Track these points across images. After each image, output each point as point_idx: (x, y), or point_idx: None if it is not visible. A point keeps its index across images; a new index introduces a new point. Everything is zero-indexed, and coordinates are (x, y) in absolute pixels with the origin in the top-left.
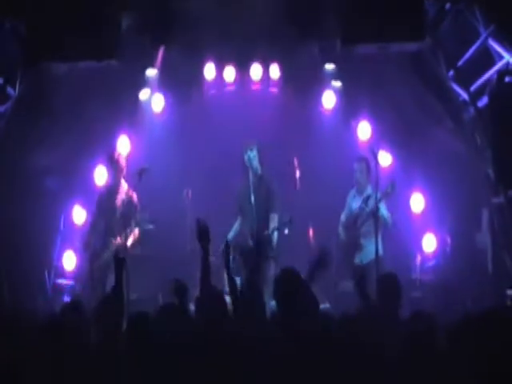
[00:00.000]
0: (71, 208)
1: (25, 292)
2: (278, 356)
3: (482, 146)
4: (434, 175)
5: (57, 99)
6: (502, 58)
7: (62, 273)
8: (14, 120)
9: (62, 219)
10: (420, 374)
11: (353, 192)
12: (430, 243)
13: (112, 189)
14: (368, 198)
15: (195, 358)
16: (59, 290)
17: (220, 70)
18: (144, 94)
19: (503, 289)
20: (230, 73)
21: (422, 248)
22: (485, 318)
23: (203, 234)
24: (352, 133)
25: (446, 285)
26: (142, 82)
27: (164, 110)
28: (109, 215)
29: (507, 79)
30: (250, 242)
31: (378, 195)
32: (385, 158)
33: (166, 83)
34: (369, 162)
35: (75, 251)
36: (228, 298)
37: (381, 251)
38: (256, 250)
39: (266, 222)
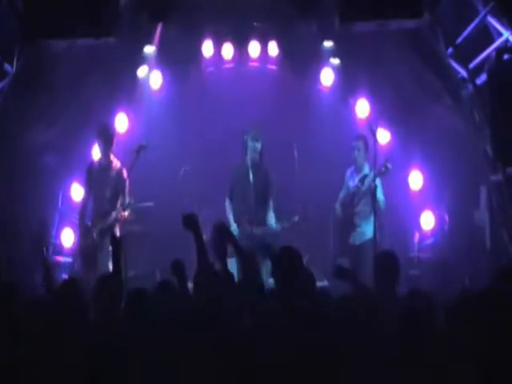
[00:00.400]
0: (69, 185)
1: (23, 269)
2: (277, 330)
3: (481, 123)
4: (433, 153)
5: (55, 76)
6: (500, 35)
7: (60, 250)
8: (11, 97)
9: (60, 196)
10: (418, 351)
11: (350, 170)
12: (428, 221)
13: (102, 165)
14: (365, 177)
15: (193, 334)
16: (57, 267)
17: (218, 47)
18: (142, 71)
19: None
20: (228, 50)
21: (420, 226)
22: (483, 295)
23: (189, 221)
24: (350, 110)
25: (444, 262)
26: (140, 59)
27: (162, 87)
28: (98, 192)
29: (506, 56)
30: (247, 226)
31: (373, 174)
32: (383, 136)
33: (164, 60)
34: (367, 140)
35: (73, 228)
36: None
37: (371, 234)
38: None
39: (264, 206)
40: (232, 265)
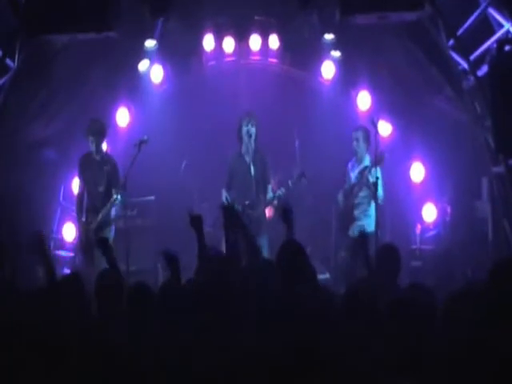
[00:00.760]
0: (71, 179)
1: (25, 264)
2: (278, 312)
3: (482, 115)
4: (434, 144)
5: (56, 71)
6: (501, 26)
7: (61, 244)
8: (13, 92)
9: (62, 191)
10: (420, 342)
11: (352, 162)
12: (429, 213)
13: (94, 160)
14: (365, 168)
15: (196, 326)
16: (59, 261)
17: (219, 40)
18: (143, 66)
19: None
20: (228, 43)
21: (421, 218)
22: (485, 287)
23: (195, 222)
24: (351, 103)
25: (446, 254)
26: (141, 54)
27: (163, 81)
28: (92, 187)
29: (507, 48)
30: (249, 210)
31: (371, 164)
32: (384, 128)
33: (165, 54)
34: (367, 131)
35: (75, 223)
36: None
37: (373, 227)
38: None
39: (264, 191)
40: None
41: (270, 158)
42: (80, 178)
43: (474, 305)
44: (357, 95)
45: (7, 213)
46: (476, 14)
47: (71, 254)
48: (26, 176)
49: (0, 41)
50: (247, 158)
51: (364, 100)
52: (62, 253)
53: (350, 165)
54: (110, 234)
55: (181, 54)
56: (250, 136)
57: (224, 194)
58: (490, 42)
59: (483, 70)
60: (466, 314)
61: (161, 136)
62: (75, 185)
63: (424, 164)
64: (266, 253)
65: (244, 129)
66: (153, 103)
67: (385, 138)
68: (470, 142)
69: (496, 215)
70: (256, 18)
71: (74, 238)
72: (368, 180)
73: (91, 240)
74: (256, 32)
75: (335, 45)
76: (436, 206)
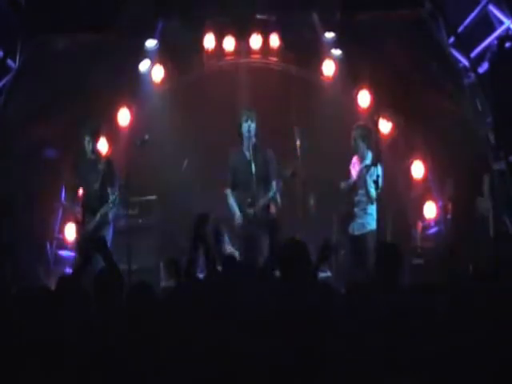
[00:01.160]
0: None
1: (27, 264)
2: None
3: (483, 111)
4: (435, 142)
5: (57, 71)
6: (502, 23)
7: (63, 244)
8: (14, 92)
9: (63, 191)
10: (421, 340)
11: (354, 159)
12: (430, 210)
13: (90, 160)
14: (365, 167)
15: (196, 322)
16: (61, 261)
17: (220, 40)
18: (144, 66)
19: (504, 254)
20: (229, 43)
21: (423, 215)
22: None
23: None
24: (352, 101)
25: (448, 251)
26: (142, 54)
27: (164, 80)
28: (88, 188)
29: (507, 45)
30: (251, 212)
31: (366, 165)
32: (385, 126)
33: (166, 54)
34: (364, 130)
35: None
36: None
37: (373, 226)
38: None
39: (266, 191)
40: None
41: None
42: (75, 179)
43: (476, 302)
44: (357, 93)
45: (9, 213)
46: (476, 11)
47: (73, 254)
48: (27, 176)
49: (1, 41)
50: (248, 155)
51: (365, 98)
52: (64, 253)
53: (353, 161)
54: (108, 233)
55: (181, 54)
56: (249, 132)
57: (229, 194)
58: (491, 38)
59: (484, 66)
60: (469, 311)
61: (162, 136)
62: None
63: (425, 161)
64: (267, 250)
65: (244, 125)
66: (154, 103)
67: (385, 136)
68: (470, 139)
69: (497, 212)
70: (256, 16)
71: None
72: (365, 180)
73: (88, 239)
74: (257, 31)
75: (336, 43)
76: (437, 203)
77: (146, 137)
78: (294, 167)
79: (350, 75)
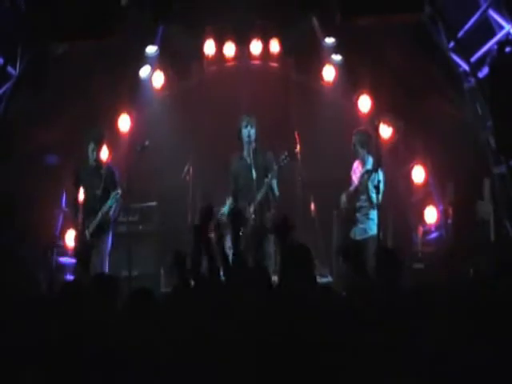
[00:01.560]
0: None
1: (27, 270)
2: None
3: (483, 116)
4: (435, 146)
5: (57, 77)
6: (502, 28)
7: (64, 251)
8: (14, 99)
9: (64, 197)
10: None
11: (355, 164)
12: (431, 215)
13: (91, 167)
14: (367, 171)
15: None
16: (62, 268)
17: (220, 45)
18: (144, 71)
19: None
20: (229, 48)
21: (423, 220)
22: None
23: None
24: (353, 106)
25: (448, 256)
26: (142, 60)
27: (164, 86)
28: (89, 194)
29: (507, 49)
30: (252, 217)
31: (368, 170)
32: (386, 131)
33: (166, 60)
34: (364, 136)
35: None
36: None
37: (375, 231)
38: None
39: (266, 196)
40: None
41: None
42: (76, 185)
43: (475, 305)
44: (358, 98)
45: (10, 219)
46: (476, 15)
47: (74, 261)
48: (27, 183)
49: (1, 49)
50: (248, 160)
51: (365, 103)
52: (65, 259)
53: (354, 166)
54: (108, 239)
55: (182, 60)
56: (249, 137)
57: (228, 203)
58: (491, 43)
59: (484, 71)
60: (468, 314)
61: (162, 141)
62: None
63: (425, 166)
64: (272, 255)
65: (244, 131)
66: (154, 109)
67: (386, 141)
68: (471, 144)
69: (498, 216)
70: (256, 22)
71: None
72: (367, 185)
73: (87, 244)
74: (257, 36)
75: (336, 48)
76: (438, 207)
77: (147, 143)
78: (288, 149)
79: (350, 80)
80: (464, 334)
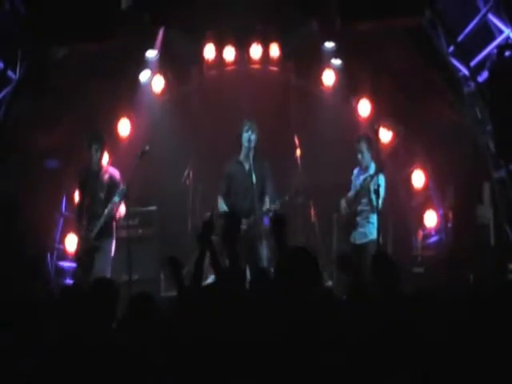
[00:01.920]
0: (73, 190)
1: (27, 274)
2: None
3: (483, 120)
4: (435, 150)
5: (57, 81)
6: (501, 32)
7: (64, 255)
8: (14, 102)
9: (64, 201)
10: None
11: (357, 170)
12: (431, 219)
13: (94, 171)
14: (370, 176)
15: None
16: (61, 272)
17: (220, 49)
18: (144, 76)
19: (505, 263)
20: (229, 52)
21: (423, 224)
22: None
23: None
24: (352, 110)
25: (448, 260)
26: (142, 64)
27: (164, 90)
28: (92, 198)
29: (507, 53)
30: (251, 221)
31: (376, 170)
32: (385, 135)
33: (166, 64)
34: (369, 140)
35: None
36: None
37: (375, 235)
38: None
39: (261, 203)
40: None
41: (271, 166)
42: (80, 189)
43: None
44: (357, 102)
45: (9, 223)
46: (476, 19)
47: (73, 265)
48: (27, 186)
49: (1, 52)
50: (246, 165)
51: (365, 107)
52: (65, 263)
53: (355, 172)
54: (111, 242)
55: (182, 64)
56: (249, 142)
57: (221, 201)
58: (491, 47)
59: (484, 75)
60: (470, 318)
61: (162, 146)
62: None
63: (425, 170)
64: (266, 261)
65: (244, 135)
66: (154, 113)
67: (386, 145)
68: (471, 148)
69: (498, 220)
70: (256, 26)
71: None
72: (369, 188)
73: (90, 248)
74: (256, 40)
75: (336, 53)
76: (437, 211)
77: (147, 147)
78: (297, 185)
79: (350, 84)
80: (465, 339)
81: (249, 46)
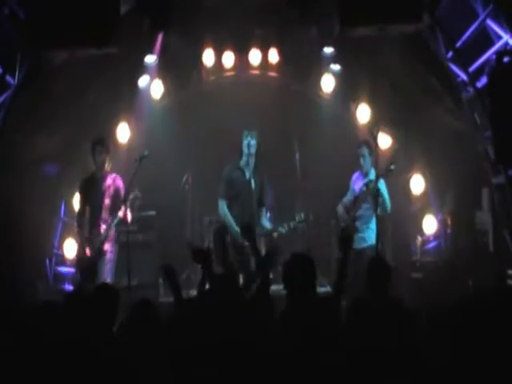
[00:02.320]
0: (72, 195)
1: (26, 280)
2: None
3: (482, 125)
4: (434, 156)
5: (56, 87)
6: (500, 38)
7: (63, 261)
8: (13, 108)
9: (63, 207)
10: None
11: (356, 175)
12: (430, 224)
13: (97, 177)
14: (370, 181)
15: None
16: (60, 278)
17: (219, 55)
18: (143, 81)
19: (504, 269)
20: (228, 58)
21: (422, 229)
22: (486, 299)
23: (198, 256)
24: (351, 116)
25: (447, 266)
26: (141, 69)
27: (163, 96)
28: (96, 203)
29: (506, 59)
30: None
31: (376, 175)
32: (384, 140)
33: (165, 69)
34: (371, 145)
35: (76, 239)
36: None
37: (374, 240)
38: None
39: (260, 209)
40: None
41: (271, 170)
42: (82, 196)
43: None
44: (356, 108)
45: (8, 229)
46: (475, 25)
47: (72, 270)
48: (26, 192)
49: (0, 57)
50: (247, 172)
51: (364, 113)
52: (63, 269)
53: (354, 176)
54: (115, 247)
55: (181, 69)
56: (249, 148)
57: (223, 205)
58: (489, 53)
59: (482, 81)
60: (468, 324)
61: (161, 151)
62: (76, 201)
63: (424, 176)
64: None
65: (244, 141)
66: (153, 118)
67: (385, 151)
68: (469, 153)
69: (497, 226)
70: (255, 32)
71: (76, 254)
72: (379, 192)
73: (94, 254)
74: (256, 46)
75: (335, 58)
76: (436, 217)
77: (146, 152)
78: (302, 213)
79: (349, 90)
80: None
81: (248, 51)
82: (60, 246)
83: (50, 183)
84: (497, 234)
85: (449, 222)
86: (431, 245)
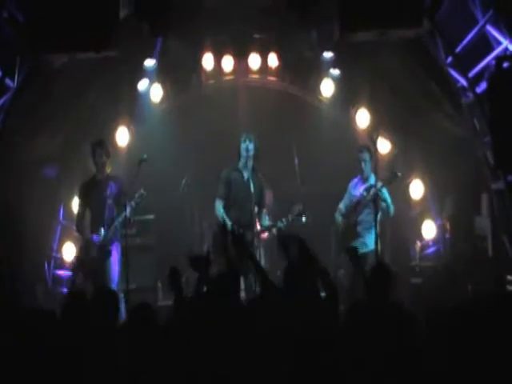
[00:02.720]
0: (71, 198)
1: (24, 283)
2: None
3: (481, 131)
4: (433, 161)
5: (55, 90)
6: (499, 43)
7: (61, 264)
8: (13, 111)
9: (62, 210)
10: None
11: (355, 180)
12: (429, 229)
13: (98, 179)
14: (371, 186)
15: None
16: (59, 281)
17: (218, 59)
18: (142, 85)
19: (503, 274)
20: (228, 62)
21: (421, 234)
22: (485, 304)
23: (196, 263)
24: (351, 120)
25: (446, 271)
26: (141, 73)
27: (163, 99)
28: (97, 206)
29: (505, 65)
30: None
31: (379, 183)
32: (384, 145)
33: (165, 73)
34: (371, 150)
35: (75, 242)
36: None
37: (374, 245)
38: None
39: (259, 214)
40: None
41: (269, 174)
42: (83, 200)
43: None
44: (356, 113)
45: (7, 232)
46: (474, 31)
47: (70, 273)
48: (26, 194)
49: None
50: (245, 174)
51: (363, 117)
52: (62, 272)
53: (353, 182)
54: (119, 247)
55: (180, 73)
56: (247, 151)
57: (219, 206)
58: (489, 58)
59: (482, 86)
60: (467, 329)
61: (160, 155)
62: (75, 203)
63: (423, 181)
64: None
65: (242, 145)
66: (152, 122)
67: (384, 155)
68: (469, 159)
69: (496, 231)
70: (255, 36)
71: (74, 257)
72: (374, 196)
73: (100, 255)
74: (255, 50)
75: (334, 63)
76: (435, 222)
77: (145, 156)
78: (300, 207)
79: (349, 94)
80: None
81: (247, 55)
82: (59, 249)
83: (49, 185)
84: (496, 239)
85: (448, 227)
86: (430, 250)
